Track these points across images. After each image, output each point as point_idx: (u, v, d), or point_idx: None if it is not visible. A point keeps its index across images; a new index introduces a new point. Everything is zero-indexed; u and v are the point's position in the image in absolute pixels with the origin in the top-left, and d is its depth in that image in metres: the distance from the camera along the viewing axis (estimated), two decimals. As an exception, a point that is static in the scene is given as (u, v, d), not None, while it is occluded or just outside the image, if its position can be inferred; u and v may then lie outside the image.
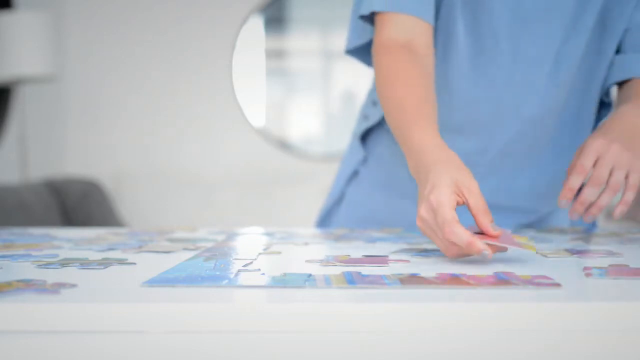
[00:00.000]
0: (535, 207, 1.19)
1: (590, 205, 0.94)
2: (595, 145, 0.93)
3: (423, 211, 0.79)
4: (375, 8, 1.02)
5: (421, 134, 0.88)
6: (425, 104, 0.93)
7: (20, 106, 3.12)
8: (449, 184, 0.79)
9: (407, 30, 1.00)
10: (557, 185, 1.13)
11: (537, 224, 1.22)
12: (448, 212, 0.76)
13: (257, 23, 3.68)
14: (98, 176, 3.47)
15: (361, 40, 1.10)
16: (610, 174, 0.92)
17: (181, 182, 3.52)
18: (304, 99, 3.89)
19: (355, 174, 1.26)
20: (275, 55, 3.81)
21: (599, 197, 0.93)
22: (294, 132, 3.79)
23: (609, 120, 0.99)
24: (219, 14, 3.59)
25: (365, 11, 1.03)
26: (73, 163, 3.59)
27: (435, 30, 1.07)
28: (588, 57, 1.10)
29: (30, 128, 3.23)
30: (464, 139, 1.12)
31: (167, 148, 3.61)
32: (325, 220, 1.30)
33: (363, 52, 1.12)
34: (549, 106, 1.10)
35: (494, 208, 1.16)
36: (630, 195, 0.93)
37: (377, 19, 1.03)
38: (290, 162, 3.60)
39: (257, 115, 3.68)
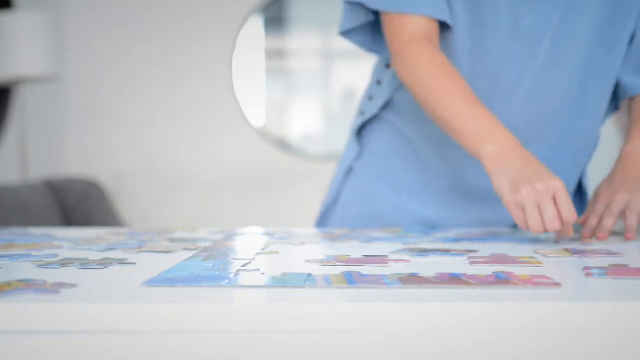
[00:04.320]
0: None
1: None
2: (605, 195, 1.04)
3: (526, 193, 0.90)
4: (394, 9, 1.07)
5: (485, 120, 1.00)
6: (471, 92, 1.03)
7: (20, 106, 3.12)
8: (548, 172, 0.93)
9: (426, 24, 1.07)
10: (554, 171, 1.14)
11: None
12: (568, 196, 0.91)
13: (257, 23, 3.67)
14: (98, 176, 3.46)
15: (354, 23, 1.14)
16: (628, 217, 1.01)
17: (181, 182, 3.52)
18: (304, 98, 3.89)
19: (350, 170, 1.26)
20: (275, 55, 3.81)
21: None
22: (294, 132, 3.79)
23: (616, 167, 1.09)
24: (219, 14, 3.58)
25: (381, 7, 1.08)
26: (73, 163, 3.59)
27: None
28: (593, 45, 1.10)
29: (30, 128, 3.23)
30: None
31: (167, 148, 3.61)
32: (322, 221, 1.30)
33: (355, 33, 1.18)
34: (548, 86, 1.10)
35: (495, 196, 1.16)
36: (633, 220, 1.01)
37: (392, 17, 1.08)
38: (290, 162, 3.60)
39: (257, 115, 3.68)
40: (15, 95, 3.21)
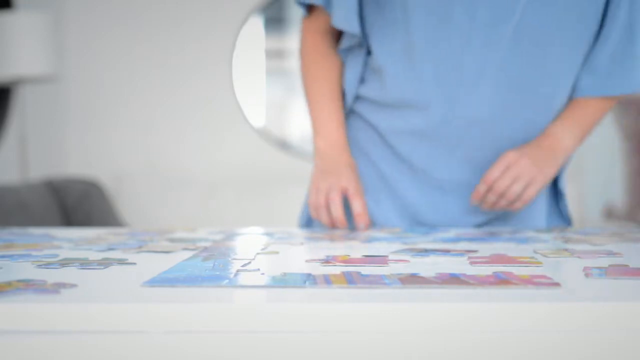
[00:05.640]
0: None
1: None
2: (507, 158, 1.11)
3: (322, 183, 1.16)
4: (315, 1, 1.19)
5: (327, 118, 1.21)
6: (333, 89, 1.23)
7: (20, 106, 3.12)
8: (346, 173, 1.17)
9: (328, 24, 1.23)
10: None
11: (507, 219, 1.22)
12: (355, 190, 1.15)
13: (257, 23, 3.67)
14: (98, 176, 3.47)
15: (316, 1, 1.20)
16: (511, 185, 1.11)
17: (181, 182, 3.52)
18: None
19: None
20: (275, 55, 3.81)
21: (497, 202, 1.14)
22: (294, 132, 3.79)
23: (534, 140, 1.15)
24: (219, 14, 3.58)
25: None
26: (73, 163, 3.59)
27: None
28: (558, 35, 1.11)
29: (30, 128, 3.23)
30: (428, 113, 1.14)
31: (167, 148, 3.61)
32: (306, 223, 1.30)
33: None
34: (514, 75, 1.11)
35: (463, 187, 1.17)
36: (518, 205, 1.13)
37: (312, 11, 1.24)
38: (290, 162, 3.60)
39: (257, 115, 3.68)
40: (15, 95, 3.21)
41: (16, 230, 1.16)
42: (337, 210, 1.13)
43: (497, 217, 1.21)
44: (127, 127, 3.61)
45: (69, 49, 3.57)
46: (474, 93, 1.12)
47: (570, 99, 1.18)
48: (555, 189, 1.26)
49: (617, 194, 3.68)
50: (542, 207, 1.23)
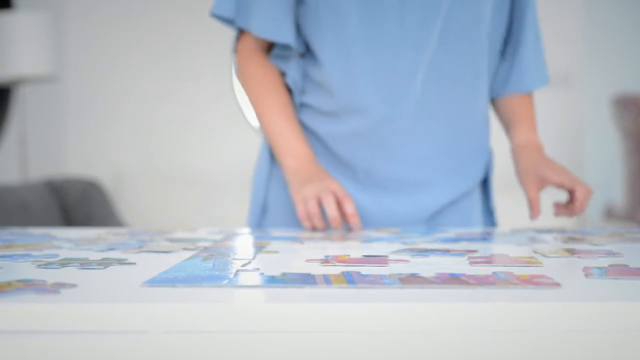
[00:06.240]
0: (437, 177, 1.23)
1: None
2: (567, 176, 1.13)
3: (308, 189, 1.13)
4: (245, 26, 1.22)
5: (290, 135, 1.20)
6: (286, 106, 1.23)
7: (20, 106, 3.12)
8: (330, 178, 1.16)
9: (259, 39, 1.24)
10: (455, 154, 1.23)
11: (450, 215, 1.24)
12: (345, 191, 1.14)
13: (257, 23, 3.68)
14: (98, 176, 3.47)
15: (228, 15, 1.26)
16: (583, 185, 1.13)
17: (181, 182, 3.52)
18: (304, 99, 3.89)
19: (270, 175, 1.29)
20: (275, 55, 3.81)
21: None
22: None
23: (527, 157, 1.19)
24: (219, 14, 3.58)
25: (228, 15, 1.24)
26: (73, 163, 3.59)
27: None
28: (482, 32, 1.18)
29: (30, 128, 3.23)
30: (367, 115, 1.18)
31: (167, 148, 3.61)
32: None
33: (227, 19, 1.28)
34: (441, 71, 1.17)
35: (406, 184, 1.22)
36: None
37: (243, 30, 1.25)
38: (290, 162, 3.60)
39: (257, 115, 3.69)
40: (15, 95, 3.21)
41: (16, 230, 1.16)
42: (334, 210, 1.12)
43: (442, 209, 1.25)
44: (127, 127, 3.61)
45: (69, 49, 3.57)
46: (407, 92, 1.17)
47: (490, 89, 1.26)
48: (485, 188, 1.32)
49: (617, 194, 3.67)
50: (478, 205, 1.30)
